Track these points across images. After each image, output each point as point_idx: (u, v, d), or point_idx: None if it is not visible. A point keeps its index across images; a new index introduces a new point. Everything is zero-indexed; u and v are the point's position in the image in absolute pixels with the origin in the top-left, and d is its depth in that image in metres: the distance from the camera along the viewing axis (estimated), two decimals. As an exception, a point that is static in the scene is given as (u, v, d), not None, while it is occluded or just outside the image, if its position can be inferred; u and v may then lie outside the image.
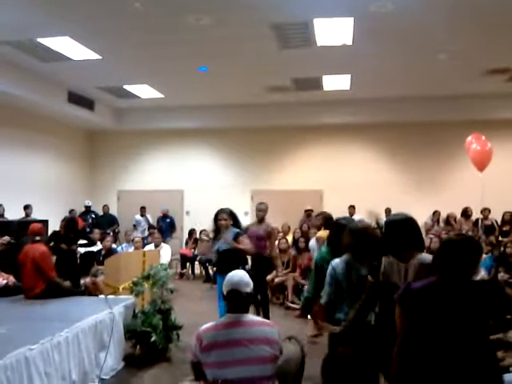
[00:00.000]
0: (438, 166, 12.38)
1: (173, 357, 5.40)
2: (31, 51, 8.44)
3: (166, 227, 12.55)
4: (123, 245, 10.20)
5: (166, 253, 9.09)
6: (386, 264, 3.10)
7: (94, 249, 9.06)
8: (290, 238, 10.07)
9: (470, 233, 9.71)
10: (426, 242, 7.88)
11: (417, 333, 2.48)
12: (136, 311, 5.51)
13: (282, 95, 11.41)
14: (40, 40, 7.90)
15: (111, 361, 4.90)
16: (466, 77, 9.92)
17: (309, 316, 6.54)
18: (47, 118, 11.74)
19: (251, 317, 2.90)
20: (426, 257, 3.08)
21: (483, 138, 9.81)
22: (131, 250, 9.17)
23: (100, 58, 8.72)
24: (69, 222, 7.01)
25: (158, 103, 12.27)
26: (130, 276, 5.78)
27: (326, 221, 6.25)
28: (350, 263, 3.58)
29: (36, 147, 11.69)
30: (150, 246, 9.47)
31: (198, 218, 12.12)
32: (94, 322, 4.71)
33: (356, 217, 11.53)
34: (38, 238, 5.86)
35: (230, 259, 5.34)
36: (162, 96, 11.63)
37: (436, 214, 11.37)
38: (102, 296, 6.00)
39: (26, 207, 10.28)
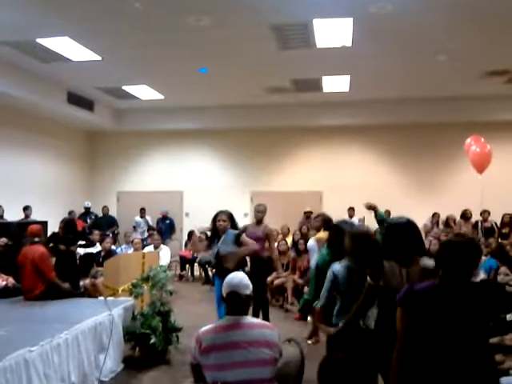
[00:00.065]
0: (437, 168, 12.38)
1: (172, 359, 5.39)
2: (31, 52, 8.44)
3: (165, 229, 12.55)
4: (122, 246, 10.18)
5: (165, 254, 9.07)
6: (387, 268, 3.09)
7: (94, 250, 9.04)
8: (289, 239, 10.05)
9: (470, 235, 9.69)
10: (426, 245, 7.87)
11: (417, 336, 2.47)
12: (135, 313, 5.49)
13: (282, 96, 11.41)
14: (39, 40, 7.90)
15: (110, 363, 4.89)
16: (465, 78, 9.93)
17: (308, 318, 6.55)
18: (47, 119, 11.73)
19: (251, 319, 2.89)
20: (429, 261, 3.07)
21: (482, 139, 9.82)
22: (130, 251, 9.16)
23: (100, 58, 8.72)
24: (67, 224, 6.98)
25: (158, 104, 12.27)
26: (130, 278, 5.76)
27: (325, 223, 6.24)
28: (351, 268, 3.59)
29: (35, 148, 11.68)
30: (150, 248, 9.46)
31: (197, 219, 12.09)
32: (94, 323, 4.70)
33: (355, 219, 11.55)
34: (36, 239, 5.84)
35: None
36: (162, 97, 11.63)
37: (435, 216, 11.37)
38: (101, 298, 5.99)
39: (26, 208, 10.26)
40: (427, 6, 6.60)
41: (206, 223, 5.77)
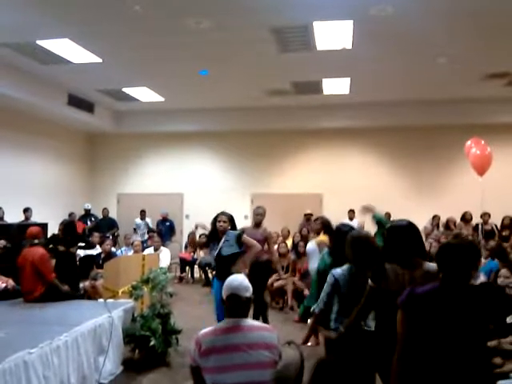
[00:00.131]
0: (437, 170, 12.39)
1: (172, 361, 5.39)
2: (31, 54, 8.45)
3: (165, 231, 12.54)
4: (123, 248, 10.19)
5: (165, 256, 9.07)
6: (390, 271, 3.08)
7: (94, 252, 9.04)
8: (289, 242, 10.05)
9: (470, 237, 9.69)
10: (426, 247, 7.86)
11: (417, 339, 2.47)
12: (135, 315, 5.49)
13: (282, 99, 11.42)
14: (40, 42, 7.91)
15: (110, 365, 4.88)
16: (465, 81, 9.94)
17: (309, 320, 6.52)
18: (47, 121, 11.74)
19: (250, 321, 2.89)
20: (433, 265, 3.07)
21: (482, 142, 9.82)
22: (130, 253, 9.16)
23: (100, 60, 8.73)
24: (67, 225, 6.99)
25: (158, 106, 12.28)
26: (130, 280, 5.76)
27: (325, 226, 6.24)
28: (353, 273, 3.60)
29: (36, 150, 11.69)
30: (150, 250, 9.45)
31: (197, 221, 12.08)
32: (93, 325, 4.70)
33: (355, 221, 11.55)
34: (36, 241, 5.84)
35: (232, 266, 5.25)
36: (162, 99, 11.64)
37: (435, 218, 11.36)
38: (101, 300, 5.98)
39: (26, 210, 10.26)
40: (427, 9, 6.61)
41: (207, 224, 5.74)
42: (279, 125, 12.53)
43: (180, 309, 6.60)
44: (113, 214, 13.36)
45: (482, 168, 9.61)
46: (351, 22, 7.06)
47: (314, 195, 12.69)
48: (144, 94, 11.30)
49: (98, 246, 9.38)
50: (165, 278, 5.56)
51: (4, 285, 6.01)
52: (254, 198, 12.84)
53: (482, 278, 5.70)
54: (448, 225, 11.05)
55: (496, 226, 10.77)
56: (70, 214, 11.90)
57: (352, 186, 12.43)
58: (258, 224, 6.70)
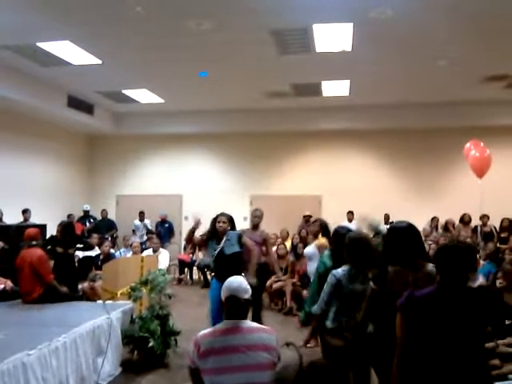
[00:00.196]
0: (437, 173, 12.39)
1: (171, 362, 5.39)
2: (31, 56, 8.45)
3: (164, 232, 12.54)
4: (121, 250, 10.18)
5: (164, 258, 9.07)
6: (392, 273, 3.08)
7: (93, 253, 9.04)
8: (288, 243, 10.05)
9: (469, 239, 9.70)
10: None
11: (417, 342, 2.47)
12: (134, 316, 5.49)
13: (282, 100, 11.43)
14: (40, 44, 7.91)
15: (109, 366, 4.89)
16: (464, 83, 9.95)
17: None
18: (47, 123, 11.74)
19: (249, 323, 2.89)
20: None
21: (482, 144, 9.83)
22: (129, 255, 9.15)
23: (100, 62, 8.73)
24: (65, 227, 6.99)
25: (158, 108, 12.29)
26: (128, 281, 5.76)
27: (323, 228, 6.24)
28: (352, 274, 3.62)
29: (35, 151, 11.69)
30: (149, 251, 9.45)
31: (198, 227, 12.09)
32: (92, 327, 4.70)
33: (354, 223, 11.55)
34: (34, 242, 5.84)
35: (234, 265, 5.24)
36: (162, 101, 11.65)
37: (434, 219, 11.37)
38: (99, 301, 5.98)
39: (25, 211, 10.26)
40: (427, 12, 6.61)
41: (206, 225, 5.73)
42: (279, 127, 12.54)
43: (179, 310, 6.59)
44: (112, 216, 13.36)
45: (481, 170, 9.62)
46: (351, 24, 7.06)
47: (313, 197, 12.70)
48: (144, 96, 11.31)
49: (96, 248, 9.38)
50: (163, 279, 5.56)
51: (2, 286, 6.01)
52: (253, 199, 12.84)
53: (480, 280, 5.70)
54: (447, 227, 11.06)
55: (495, 227, 10.78)
56: (69, 216, 11.90)
57: (351, 187, 12.44)
58: (255, 226, 6.71)
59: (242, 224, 8.82)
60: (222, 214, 5.49)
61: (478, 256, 8.43)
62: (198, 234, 5.78)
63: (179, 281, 11.12)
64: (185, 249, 12.09)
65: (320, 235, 6.24)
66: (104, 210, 13.06)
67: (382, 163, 12.78)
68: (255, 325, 2.95)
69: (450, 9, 6.53)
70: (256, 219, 6.73)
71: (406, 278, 3.07)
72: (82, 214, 12.79)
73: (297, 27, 7.23)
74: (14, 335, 4.17)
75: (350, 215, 11.93)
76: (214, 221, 5.46)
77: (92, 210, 12.98)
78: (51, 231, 8.53)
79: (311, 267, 6.00)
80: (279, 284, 8.48)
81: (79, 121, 11.89)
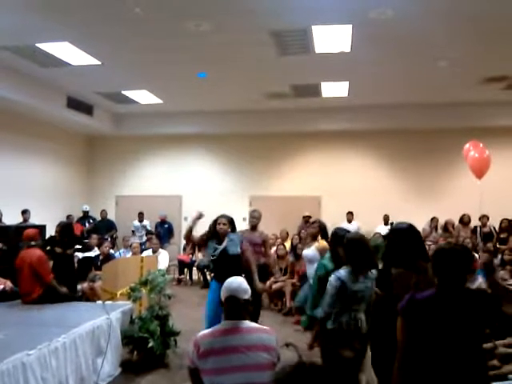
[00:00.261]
0: (436, 173, 12.40)
1: (170, 363, 5.39)
2: (30, 56, 8.45)
3: (164, 233, 12.55)
4: (121, 250, 10.17)
5: (163, 258, 9.06)
6: (397, 276, 3.07)
7: (92, 254, 9.04)
8: (288, 244, 10.06)
9: (468, 240, 9.70)
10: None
11: (418, 345, 2.48)
12: (133, 317, 5.49)
13: (281, 101, 11.44)
14: (39, 45, 7.91)
15: (108, 367, 4.89)
16: (464, 84, 9.96)
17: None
18: (46, 123, 11.74)
19: (249, 323, 2.89)
20: None
21: (481, 145, 9.84)
22: (129, 255, 9.15)
23: (99, 63, 8.73)
24: (64, 227, 6.98)
25: (157, 109, 12.29)
26: (128, 282, 5.76)
27: (322, 230, 6.23)
28: (354, 274, 3.63)
29: (34, 152, 11.69)
30: (148, 252, 9.45)
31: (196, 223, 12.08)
32: (92, 327, 4.70)
33: (354, 223, 11.56)
34: (33, 242, 5.85)
35: (235, 266, 5.22)
36: (161, 101, 11.65)
37: (434, 220, 11.38)
38: (99, 302, 5.99)
39: (24, 212, 10.26)
40: (427, 12, 6.61)
41: (204, 229, 5.72)
42: (278, 127, 12.54)
43: (178, 311, 6.60)
44: (111, 216, 13.36)
45: (480, 171, 9.62)
46: (350, 26, 7.05)
47: (313, 198, 12.70)
48: (143, 97, 11.31)
49: (96, 248, 9.38)
50: (163, 279, 5.56)
51: (2, 286, 6.01)
52: (253, 200, 12.85)
53: (479, 281, 5.71)
54: (446, 227, 11.07)
55: (494, 228, 10.79)
56: (68, 216, 11.90)
57: (351, 188, 12.45)
58: (254, 227, 6.72)
59: (242, 225, 8.82)
60: (223, 216, 5.49)
61: (477, 256, 8.46)
62: (198, 233, 5.76)
63: (179, 281, 11.13)
64: (184, 249, 12.09)
65: (319, 237, 6.22)
66: (103, 210, 13.06)
67: (381, 164, 12.78)
68: (255, 325, 2.96)
69: (450, 10, 6.53)
70: (254, 220, 6.74)
71: (409, 280, 3.07)
72: (81, 214, 12.80)
73: (296, 28, 7.23)
74: (13, 335, 4.17)
75: (350, 216, 11.94)
76: (215, 223, 5.46)
77: (91, 211, 12.99)
78: (51, 232, 8.54)
79: (310, 270, 5.97)
80: (279, 284, 8.49)
81: (79, 121, 11.89)
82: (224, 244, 5.33)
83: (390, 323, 2.70)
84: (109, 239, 11.23)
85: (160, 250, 9.56)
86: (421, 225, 10.24)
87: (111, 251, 9.35)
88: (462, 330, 2.47)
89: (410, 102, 11.35)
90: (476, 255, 8.28)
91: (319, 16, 6.76)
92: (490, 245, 9.37)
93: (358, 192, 12.33)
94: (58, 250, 6.65)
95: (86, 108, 11.75)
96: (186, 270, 11.46)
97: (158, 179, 13.66)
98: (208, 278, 10.49)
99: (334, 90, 10.50)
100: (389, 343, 2.79)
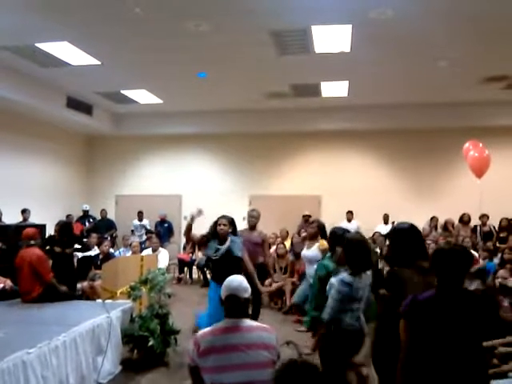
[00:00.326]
0: (436, 173, 12.41)
1: (170, 361, 5.39)
2: (30, 56, 8.46)
3: (163, 232, 12.55)
4: (121, 249, 10.18)
5: (163, 257, 9.07)
6: (406, 276, 3.07)
7: (92, 253, 9.05)
8: (287, 243, 10.07)
9: (468, 239, 9.72)
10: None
11: (420, 345, 2.49)
12: (133, 316, 5.50)
13: (281, 101, 11.44)
14: (39, 45, 7.92)
15: (108, 365, 4.89)
16: (464, 84, 9.97)
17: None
18: (46, 123, 11.75)
19: (249, 322, 2.90)
20: None
21: (480, 144, 9.85)
22: (129, 254, 9.16)
23: (99, 63, 8.74)
24: (63, 226, 6.98)
25: (157, 108, 12.29)
26: (128, 280, 5.76)
27: (321, 229, 6.24)
28: (354, 275, 3.64)
29: (34, 152, 11.70)
30: (148, 251, 9.45)
31: (196, 223, 12.07)
32: (92, 326, 4.71)
33: (354, 223, 11.57)
34: (32, 241, 5.85)
35: (237, 268, 5.16)
36: (161, 101, 11.65)
37: (434, 219, 11.39)
38: (99, 300, 5.99)
39: (24, 211, 10.27)
40: (427, 12, 6.62)
41: (205, 228, 5.72)
42: (278, 127, 12.55)
43: (178, 309, 6.60)
44: (111, 216, 13.37)
45: (480, 170, 9.64)
46: (350, 26, 7.06)
47: (313, 197, 12.71)
48: (143, 97, 11.31)
49: (95, 247, 9.39)
50: (163, 278, 5.56)
51: (2, 285, 6.01)
52: (253, 199, 12.85)
53: (478, 282, 5.71)
54: (446, 226, 11.09)
55: (494, 227, 10.81)
56: (68, 216, 11.91)
57: (350, 187, 12.45)
58: (252, 227, 6.71)
59: (241, 224, 8.82)
60: (223, 217, 5.48)
61: (477, 255, 8.48)
62: (198, 232, 5.76)
63: (179, 280, 11.14)
64: (184, 248, 12.11)
65: (320, 237, 6.22)
66: (103, 209, 13.07)
67: (381, 163, 12.79)
68: (255, 324, 2.97)
69: (450, 10, 6.54)
70: (253, 220, 6.73)
71: (418, 281, 3.05)
72: (81, 213, 12.82)
73: (296, 28, 7.23)
74: (13, 334, 4.18)
75: (350, 215, 11.95)
76: (215, 224, 5.45)
77: (91, 210, 13.00)
78: (50, 231, 8.54)
79: (310, 269, 5.98)
80: (279, 283, 8.50)
81: (78, 121, 11.89)
82: (227, 244, 5.33)
83: (396, 323, 2.70)
84: (109, 238, 11.23)
85: (160, 248, 9.57)
86: (421, 224, 10.24)
87: (111, 250, 9.36)
88: (462, 329, 2.49)
89: (409, 101, 11.35)
90: (476, 254, 8.31)
91: (319, 16, 6.77)
92: (489, 244, 9.38)
93: (357, 191, 12.34)
94: (57, 249, 6.66)
95: (85, 108, 11.75)
96: (185, 268, 11.47)
97: (157, 179, 13.67)
98: (208, 276, 10.49)
99: (334, 89, 10.51)
100: (392, 343, 2.80)
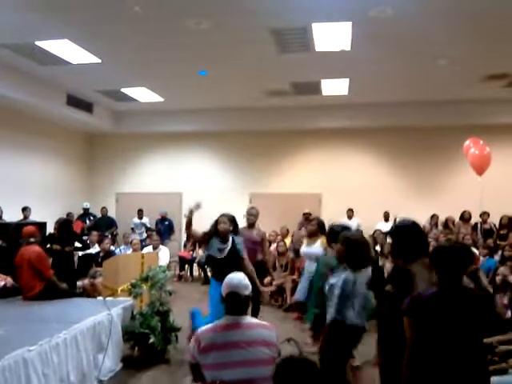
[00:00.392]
0: (437, 170, 12.41)
1: (171, 358, 5.40)
2: (30, 55, 8.45)
3: (164, 229, 12.56)
4: (121, 247, 10.20)
5: (164, 255, 9.09)
6: (414, 272, 3.07)
7: (93, 251, 9.06)
8: (288, 241, 10.07)
9: (468, 236, 9.72)
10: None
11: (424, 342, 2.50)
12: (134, 313, 5.51)
13: (281, 99, 11.44)
14: (38, 43, 7.91)
15: (109, 362, 4.91)
16: (464, 82, 9.96)
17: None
18: (46, 121, 11.75)
19: (249, 319, 2.91)
20: None
21: (481, 142, 9.84)
22: (129, 252, 9.17)
23: (99, 61, 8.73)
24: (62, 224, 6.98)
25: (157, 106, 12.29)
26: (129, 278, 5.78)
27: (321, 227, 6.25)
28: (355, 272, 3.65)
29: (35, 150, 11.70)
30: (149, 249, 9.47)
31: (196, 220, 12.08)
32: (93, 323, 4.72)
33: (354, 220, 11.57)
34: (32, 239, 5.86)
35: (239, 267, 5.18)
36: (162, 99, 11.65)
37: (434, 217, 11.39)
38: (100, 298, 6.00)
39: (24, 209, 10.28)
40: (427, 11, 6.61)
41: (205, 225, 5.73)
42: (278, 125, 12.54)
43: (179, 307, 6.60)
44: (111, 213, 13.37)
45: (481, 168, 9.62)
46: (350, 23, 7.06)
47: (313, 195, 12.71)
48: (143, 95, 11.31)
49: (96, 245, 9.40)
50: (164, 276, 5.57)
51: (3, 283, 6.02)
52: (253, 197, 12.85)
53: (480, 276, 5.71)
54: (447, 224, 11.09)
55: (495, 225, 10.81)
56: (68, 214, 11.92)
57: (351, 185, 12.45)
58: (251, 225, 6.70)
59: (242, 222, 8.83)
60: (223, 215, 5.48)
61: (477, 252, 8.48)
62: (198, 229, 5.77)
63: (179, 277, 11.16)
64: (185, 246, 12.13)
65: (320, 234, 6.23)
66: (104, 207, 13.08)
67: (381, 161, 12.79)
68: (255, 321, 2.97)
69: (450, 8, 6.53)
70: (252, 218, 6.72)
71: (426, 277, 3.05)
72: (81, 211, 12.82)
73: (296, 26, 7.23)
74: (14, 331, 4.18)
75: (350, 213, 11.96)
76: (216, 223, 5.45)
77: (92, 208, 13.00)
78: (51, 229, 8.55)
79: (312, 267, 5.98)
80: (279, 281, 8.51)
81: (78, 119, 11.89)
82: (231, 244, 5.33)
83: (402, 320, 2.71)
84: (109, 236, 11.24)
85: (160, 246, 9.59)
86: (421, 222, 10.17)
87: (112, 248, 9.37)
88: (463, 326, 2.50)
89: (409, 99, 11.35)
90: (476, 252, 8.32)
91: (319, 14, 6.76)
92: (490, 241, 9.39)
93: (358, 189, 12.34)
94: (57, 247, 6.66)
95: (85, 106, 11.75)
96: (186, 266, 11.49)
97: (158, 176, 13.68)
98: (209, 274, 10.50)
99: (334, 87, 10.50)
100: (397, 339, 2.80)
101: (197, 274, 11.47)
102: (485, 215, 10.67)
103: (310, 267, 6.29)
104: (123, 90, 10.91)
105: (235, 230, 5.51)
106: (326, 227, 5.77)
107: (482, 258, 8.27)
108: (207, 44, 7.90)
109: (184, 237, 12.42)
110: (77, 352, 4.35)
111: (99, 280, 7.17)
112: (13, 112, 10.55)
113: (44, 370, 3.81)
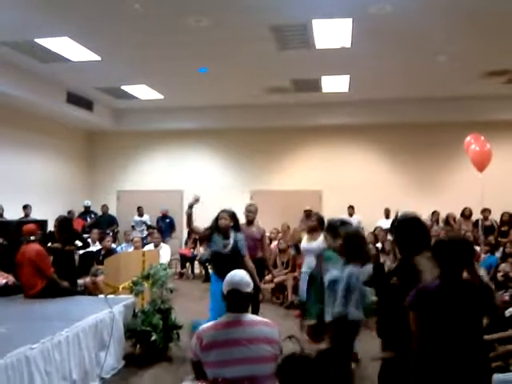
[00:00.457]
0: (437, 167, 12.40)
1: (173, 356, 5.42)
2: (30, 52, 8.44)
3: (165, 227, 12.56)
4: (123, 245, 10.20)
5: (165, 253, 9.10)
6: (421, 265, 3.07)
7: (94, 249, 9.06)
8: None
9: (469, 233, 9.72)
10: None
11: (429, 336, 2.51)
12: (136, 311, 5.52)
13: (281, 96, 11.42)
14: (38, 41, 7.90)
15: (111, 360, 4.92)
16: (464, 78, 9.95)
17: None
18: (46, 119, 11.74)
19: (251, 316, 2.91)
20: None
21: (482, 138, 9.83)
22: (131, 249, 9.18)
23: (99, 58, 8.73)
24: (61, 222, 6.95)
25: (158, 104, 12.28)
26: (130, 276, 5.79)
27: (321, 223, 6.24)
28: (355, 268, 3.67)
29: (35, 147, 11.69)
30: (150, 246, 9.48)
31: (197, 218, 12.07)
32: (95, 321, 4.72)
33: (355, 217, 11.57)
34: (32, 237, 5.86)
35: (241, 264, 5.19)
36: (162, 97, 11.64)
37: (435, 214, 11.38)
38: (101, 295, 6.01)
39: (25, 207, 10.28)
40: (426, 7, 6.61)
41: (206, 223, 5.74)
42: (278, 122, 12.53)
43: (180, 304, 6.62)
44: (112, 211, 13.36)
45: (481, 164, 9.61)
46: (350, 20, 7.05)
47: (314, 192, 12.70)
48: (143, 92, 11.30)
49: (97, 243, 9.40)
50: (165, 273, 5.58)
51: (4, 281, 6.03)
52: (254, 194, 12.85)
53: (481, 273, 5.73)
54: (448, 220, 11.08)
55: (496, 221, 10.80)
56: (69, 212, 11.91)
57: (351, 182, 12.45)
58: (250, 221, 6.70)
59: (243, 219, 8.84)
60: (224, 211, 5.50)
61: (479, 249, 8.48)
62: (200, 225, 5.78)
63: (181, 275, 11.18)
64: (186, 243, 12.14)
65: (320, 230, 6.23)
66: (105, 205, 13.07)
67: (382, 158, 12.78)
68: (257, 318, 2.98)
69: (449, 5, 6.53)
70: (251, 214, 6.71)
71: (432, 269, 3.06)
72: (82, 209, 12.82)
73: (296, 23, 7.22)
74: (16, 329, 4.19)
75: (351, 210, 11.95)
76: (216, 219, 5.46)
77: (93, 206, 13.00)
78: (52, 227, 8.54)
79: (312, 262, 5.98)
80: (281, 278, 8.52)
81: (79, 117, 11.89)
82: (233, 240, 5.33)
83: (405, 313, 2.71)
84: (110, 234, 11.26)
85: (162, 244, 9.59)
86: (422, 219, 10.23)
87: (113, 246, 9.38)
88: (465, 318, 2.52)
89: (410, 96, 11.33)
90: (477, 248, 8.32)
91: (319, 10, 6.75)
92: (491, 238, 9.39)
93: (358, 186, 12.34)
94: (57, 245, 6.65)
95: (85, 103, 11.75)
96: (187, 263, 11.51)
97: (158, 174, 13.67)
98: (210, 271, 10.51)
99: (335, 84, 10.49)
100: (402, 333, 2.81)
101: (198, 271, 11.48)
102: (486, 212, 10.66)
103: (310, 263, 6.31)
104: (123, 87, 10.90)
105: (236, 225, 5.51)
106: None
107: (483, 255, 8.27)
108: (207, 41, 7.89)
109: (185, 234, 12.43)
110: (79, 350, 4.36)
111: (101, 278, 7.17)
112: (13, 109, 10.54)
113: (46, 367, 3.82)
